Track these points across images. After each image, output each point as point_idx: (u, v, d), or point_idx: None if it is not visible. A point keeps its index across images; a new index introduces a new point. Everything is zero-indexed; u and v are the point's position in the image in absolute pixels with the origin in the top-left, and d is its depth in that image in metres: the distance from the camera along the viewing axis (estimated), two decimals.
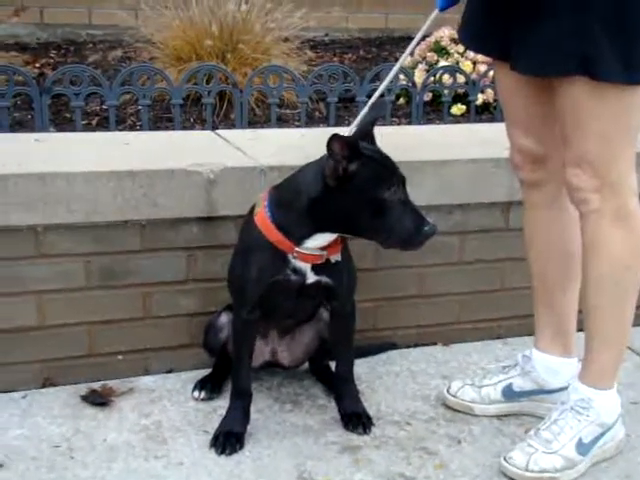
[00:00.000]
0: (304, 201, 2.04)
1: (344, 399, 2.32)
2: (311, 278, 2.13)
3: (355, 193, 1.99)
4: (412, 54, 4.33)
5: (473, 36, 2.18)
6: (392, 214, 2.00)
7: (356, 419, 2.29)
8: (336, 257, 2.14)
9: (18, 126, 3.45)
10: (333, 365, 2.41)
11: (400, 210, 2.01)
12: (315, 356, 2.47)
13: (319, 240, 2.08)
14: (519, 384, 2.37)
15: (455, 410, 2.39)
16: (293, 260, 2.10)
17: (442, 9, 2.11)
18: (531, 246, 2.31)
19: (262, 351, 2.39)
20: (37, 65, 4.44)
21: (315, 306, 2.35)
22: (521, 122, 2.18)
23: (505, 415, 2.38)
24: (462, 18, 2.19)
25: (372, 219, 2.01)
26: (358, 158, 1.97)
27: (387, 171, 2.02)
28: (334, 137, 1.93)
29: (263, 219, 2.10)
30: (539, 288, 2.33)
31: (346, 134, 2.03)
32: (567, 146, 2.03)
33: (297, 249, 2.08)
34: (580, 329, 2.24)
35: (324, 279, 2.14)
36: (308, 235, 2.07)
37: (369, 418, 2.31)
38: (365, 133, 2.10)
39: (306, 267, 2.12)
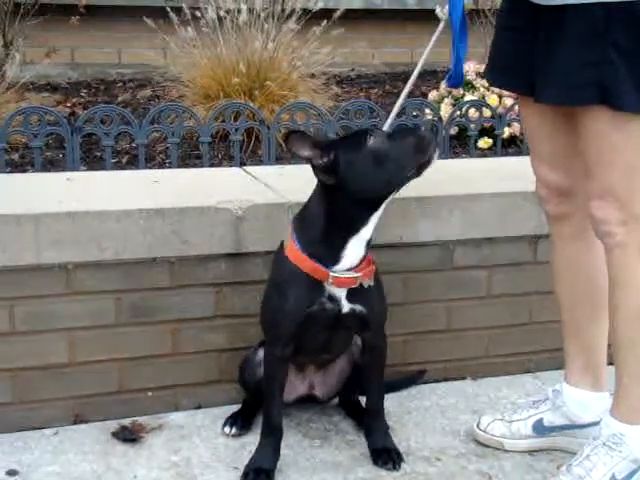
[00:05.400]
0: (321, 213, 2.10)
1: (374, 434, 2.31)
2: (346, 307, 2.14)
3: (350, 168, 2.06)
4: (437, 89, 4.37)
5: (499, 72, 2.20)
6: (390, 151, 2.09)
7: (386, 455, 2.28)
8: (369, 282, 2.15)
9: (50, 165, 3.50)
10: (363, 400, 2.41)
11: (392, 143, 2.10)
12: (346, 386, 2.46)
13: (351, 255, 2.10)
14: (550, 419, 2.35)
15: (485, 445, 2.37)
16: (328, 287, 2.12)
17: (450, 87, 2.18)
18: (559, 279, 2.30)
19: (297, 386, 2.40)
20: (68, 104, 4.51)
21: (349, 338, 2.35)
22: (546, 156, 2.18)
23: (536, 450, 2.35)
24: (488, 59, 2.23)
25: (380, 171, 2.07)
26: (331, 146, 2.09)
27: (358, 134, 2.15)
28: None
29: (294, 251, 2.13)
30: (568, 321, 2.31)
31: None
32: (590, 178, 2.03)
33: (332, 274, 2.10)
34: (610, 362, 2.22)
35: (358, 307, 2.15)
36: (341, 248, 2.10)
37: (399, 454, 2.29)
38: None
39: (341, 294, 2.13)
